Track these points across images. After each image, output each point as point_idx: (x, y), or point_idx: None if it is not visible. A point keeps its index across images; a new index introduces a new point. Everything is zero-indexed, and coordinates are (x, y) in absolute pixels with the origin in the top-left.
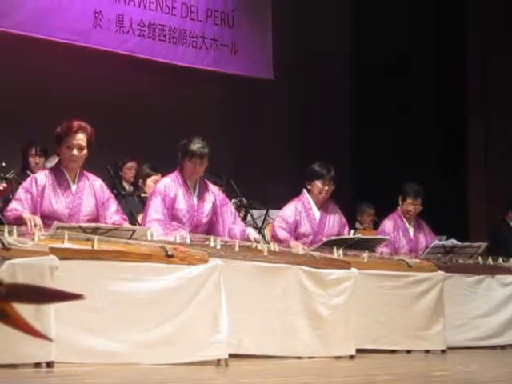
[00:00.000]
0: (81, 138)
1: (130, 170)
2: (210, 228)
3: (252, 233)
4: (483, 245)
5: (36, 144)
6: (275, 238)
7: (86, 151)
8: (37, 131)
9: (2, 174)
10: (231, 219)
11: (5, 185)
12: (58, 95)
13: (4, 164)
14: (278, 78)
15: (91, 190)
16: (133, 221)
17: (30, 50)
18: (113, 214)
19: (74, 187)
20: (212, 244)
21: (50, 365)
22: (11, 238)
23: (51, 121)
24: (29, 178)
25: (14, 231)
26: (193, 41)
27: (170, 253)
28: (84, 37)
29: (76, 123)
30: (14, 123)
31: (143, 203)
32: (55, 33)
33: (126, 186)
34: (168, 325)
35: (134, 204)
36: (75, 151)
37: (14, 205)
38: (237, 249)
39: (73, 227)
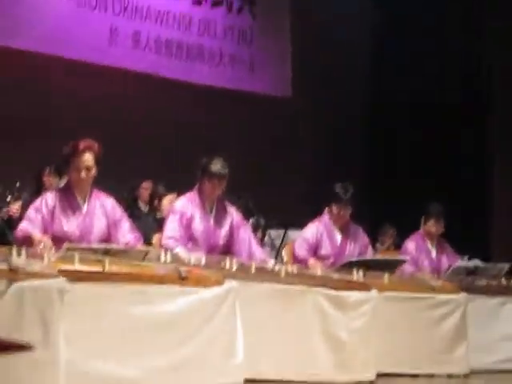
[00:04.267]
0: (88, 159)
1: (145, 189)
2: (227, 249)
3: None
4: (506, 266)
5: (50, 164)
6: (295, 259)
7: (94, 171)
8: (52, 150)
9: (15, 194)
10: (247, 243)
11: (17, 206)
12: (74, 113)
13: (18, 184)
14: (296, 95)
15: (102, 209)
16: (147, 241)
17: (46, 68)
18: (125, 232)
19: (84, 207)
20: (228, 266)
21: None
22: (19, 260)
23: (67, 139)
24: (39, 198)
25: (23, 252)
26: (210, 58)
27: (183, 275)
28: (100, 54)
29: (82, 144)
30: (28, 142)
31: (159, 223)
32: (72, 51)
33: (142, 205)
34: (182, 349)
35: (149, 224)
36: (83, 173)
37: (24, 225)
38: (253, 270)
39: (83, 248)
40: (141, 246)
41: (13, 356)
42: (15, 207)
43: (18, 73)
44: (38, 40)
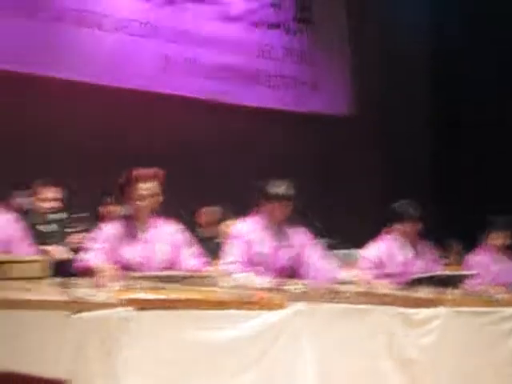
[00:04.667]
0: (144, 188)
1: (205, 214)
2: (294, 271)
3: (345, 274)
4: None
5: (112, 192)
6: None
7: (155, 199)
8: (113, 179)
9: (80, 226)
10: (317, 259)
11: (79, 236)
12: (134, 142)
13: (81, 215)
14: (358, 114)
15: (164, 236)
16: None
17: (104, 98)
18: (190, 257)
19: (145, 235)
20: (292, 288)
21: None
22: (80, 291)
23: (126, 167)
24: (99, 228)
25: (84, 283)
26: (268, 80)
27: (247, 299)
28: (154, 81)
29: (138, 173)
30: (90, 171)
31: (219, 248)
32: (127, 80)
33: (203, 230)
34: (246, 375)
35: (209, 249)
36: (140, 201)
37: (84, 255)
38: (318, 291)
39: (146, 276)
40: (204, 272)
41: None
42: (78, 237)
43: (80, 104)
44: (93, 72)
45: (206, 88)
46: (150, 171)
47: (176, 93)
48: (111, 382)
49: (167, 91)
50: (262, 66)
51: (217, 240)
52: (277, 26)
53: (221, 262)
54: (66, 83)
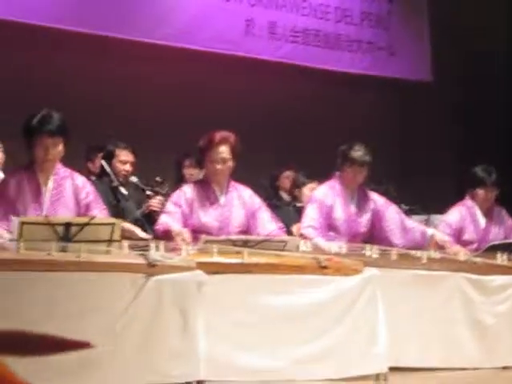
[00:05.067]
0: (224, 151)
1: (286, 178)
2: (370, 236)
3: (437, 233)
4: None
5: (190, 155)
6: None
7: (230, 163)
8: (191, 142)
9: (157, 189)
10: (398, 220)
11: (157, 200)
12: (212, 105)
13: (158, 179)
14: (436, 79)
15: (240, 201)
16: (288, 231)
17: (181, 61)
18: (266, 222)
19: (222, 199)
20: (368, 253)
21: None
22: (157, 254)
23: (205, 131)
24: (177, 191)
25: (161, 247)
26: (348, 45)
27: (323, 264)
28: (236, 45)
29: (217, 135)
30: (168, 135)
31: (299, 212)
32: (207, 43)
33: (284, 195)
34: (323, 339)
35: (290, 214)
36: (219, 165)
37: (163, 218)
38: (394, 257)
39: (222, 240)
40: (279, 237)
41: (154, 345)
42: (156, 201)
43: (157, 66)
44: (172, 34)
45: (286, 52)
46: (231, 135)
47: (257, 56)
48: (187, 343)
49: (249, 55)
50: (342, 31)
51: (297, 204)
52: None
53: (300, 225)
54: (144, 45)
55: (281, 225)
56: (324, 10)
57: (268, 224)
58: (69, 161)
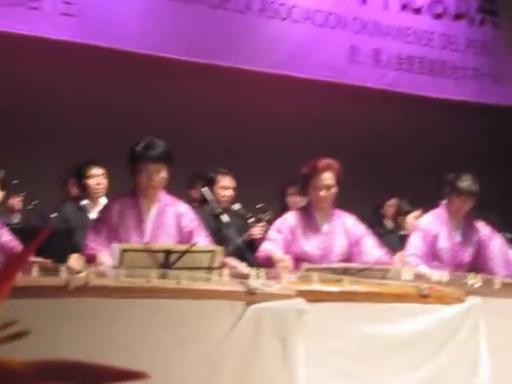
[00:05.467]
0: (328, 178)
1: (390, 207)
2: (476, 265)
3: None
4: None
5: (294, 183)
6: None
7: (334, 190)
8: (294, 170)
9: (259, 217)
10: (503, 252)
11: (258, 228)
12: (316, 133)
13: (259, 205)
14: None
15: (343, 228)
16: None
17: (286, 88)
18: (371, 248)
19: (324, 227)
20: (470, 282)
21: None
22: (257, 282)
23: (309, 159)
24: (280, 219)
25: (261, 274)
26: (453, 72)
27: (424, 292)
28: (340, 73)
29: (322, 162)
30: (270, 163)
31: (402, 241)
32: (312, 70)
33: (387, 223)
34: (423, 369)
35: (393, 242)
36: (323, 192)
37: (266, 245)
38: (497, 286)
39: (322, 268)
40: (383, 264)
41: (252, 374)
42: (258, 229)
43: (261, 94)
44: (279, 62)
45: (390, 79)
46: (334, 162)
47: (362, 84)
48: (287, 372)
49: (353, 82)
50: (446, 58)
51: (401, 232)
52: (461, 16)
53: (403, 253)
54: (248, 73)
55: (387, 250)
56: (428, 36)
57: (373, 250)
58: (171, 189)
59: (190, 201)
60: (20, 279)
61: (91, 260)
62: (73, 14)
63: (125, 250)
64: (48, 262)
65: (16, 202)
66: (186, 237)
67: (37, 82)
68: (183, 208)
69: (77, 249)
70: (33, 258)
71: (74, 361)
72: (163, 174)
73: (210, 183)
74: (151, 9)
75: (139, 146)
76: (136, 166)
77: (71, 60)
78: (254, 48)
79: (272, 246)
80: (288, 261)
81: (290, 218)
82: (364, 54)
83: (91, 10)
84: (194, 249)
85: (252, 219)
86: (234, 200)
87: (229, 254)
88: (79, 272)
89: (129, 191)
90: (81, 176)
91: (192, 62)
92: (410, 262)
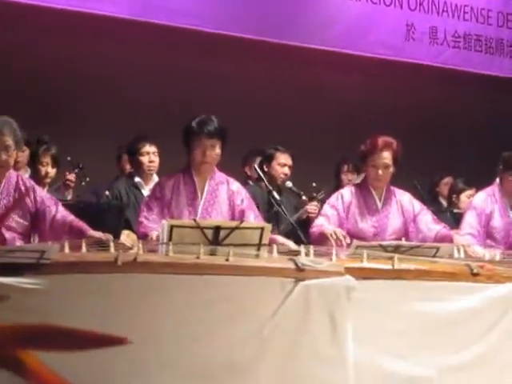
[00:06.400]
0: (386, 157)
1: (445, 185)
2: None
3: None
4: None
5: (349, 161)
6: None
7: (391, 169)
8: (349, 147)
9: (314, 195)
10: None
11: (314, 205)
12: (372, 110)
13: (314, 184)
14: None
15: (398, 206)
16: None
17: (341, 66)
18: (430, 223)
19: (380, 206)
20: None
21: None
22: (306, 259)
23: (365, 137)
24: (335, 194)
25: (311, 251)
26: (510, 50)
27: (475, 271)
28: (397, 51)
29: (381, 141)
30: (325, 140)
31: (456, 219)
32: (368, 48)
33: (443, 201)
34: (473, 347)
35: (446, 220)
36: (380, 171)
37: (319, 221)
38: None
39: (372, 246)
40: (430, 243)
41: (301, 350)
42: (313, 206)
43: (316, 72)
44: (334, 39)
45: (447, 57)
46: (394, 141)
47: (418, 61)
48: (336, 349)
49: (410, 60)
50: (504, 35)
51: (455, 210)
52: None
53: (458, 231)
54: (305, 50)
55: (445, 224)
56: (486, 14)
57: (432, 225)
58: (226, 166)
59: (246, 178)
60: (70, 255)
61: (144, 237)
62: None
63: (174, 226)
64: (108, 235)
65: (70, 178)
66: (237, 215)
67: (92, 59)
68: (235, 186)
69: (129, 225)
70: (93, 233)
71: (56, 326)
72: (217, 150)
73: (268, 159)
74: None
75: (194, 121)
76: (191, 141)
77: (128, 38)
78: (312, 25)
79: (326, 222)
80: (341, 233)
81: (346, 194)
82: (420, 32)
83: None
84: (243, 225)
85: (305, 197)
86: (289, 178)
87: (282, 231)
88: (130, 248)
89: (182, 168)
90: (133, 153)
91: (247, 39)
92: (466, 240)
